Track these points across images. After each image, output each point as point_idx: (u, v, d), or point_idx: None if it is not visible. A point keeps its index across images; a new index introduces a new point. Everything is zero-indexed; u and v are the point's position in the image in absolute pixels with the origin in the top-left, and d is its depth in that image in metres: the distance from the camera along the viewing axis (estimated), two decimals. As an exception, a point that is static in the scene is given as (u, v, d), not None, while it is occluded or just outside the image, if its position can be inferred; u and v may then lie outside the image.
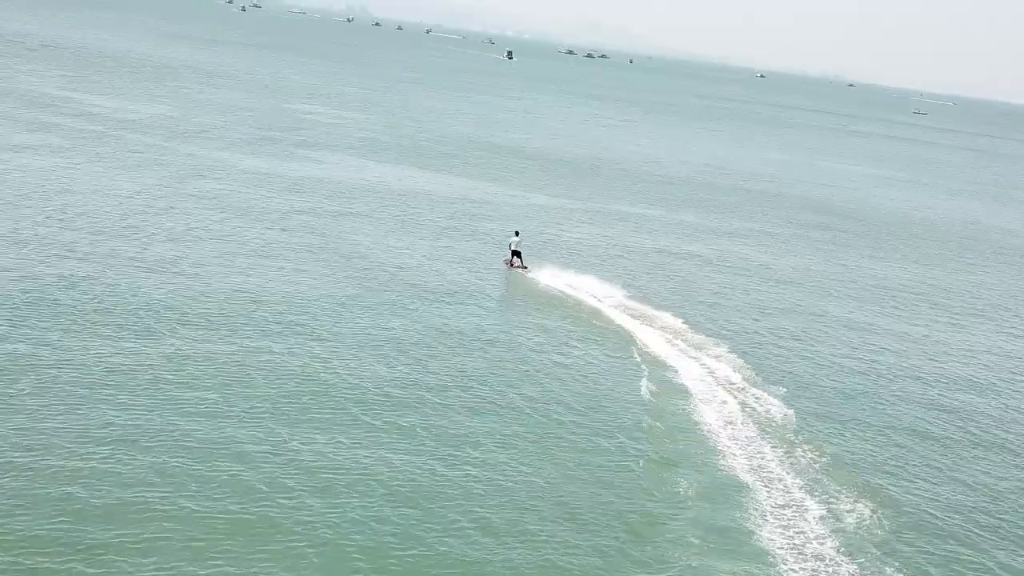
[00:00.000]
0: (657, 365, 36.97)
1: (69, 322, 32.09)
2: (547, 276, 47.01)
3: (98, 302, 34.34)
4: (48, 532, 20.95)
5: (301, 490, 24.10)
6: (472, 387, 32.20)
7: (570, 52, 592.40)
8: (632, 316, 42.78)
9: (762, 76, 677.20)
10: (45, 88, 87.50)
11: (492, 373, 33.63)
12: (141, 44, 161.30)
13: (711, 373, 36.97)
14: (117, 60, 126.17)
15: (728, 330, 43.07)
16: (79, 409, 26.32)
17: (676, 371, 36.54)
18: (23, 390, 26.93)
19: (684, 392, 34.53)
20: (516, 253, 47.21)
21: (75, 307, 33.52)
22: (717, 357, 38.79)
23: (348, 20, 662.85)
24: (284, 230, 49.09)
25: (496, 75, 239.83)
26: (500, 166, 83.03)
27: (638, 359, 37.35)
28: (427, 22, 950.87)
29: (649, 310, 43.88)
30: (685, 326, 42.22)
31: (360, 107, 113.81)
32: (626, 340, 39.53)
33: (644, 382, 34.85)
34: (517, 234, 48.49)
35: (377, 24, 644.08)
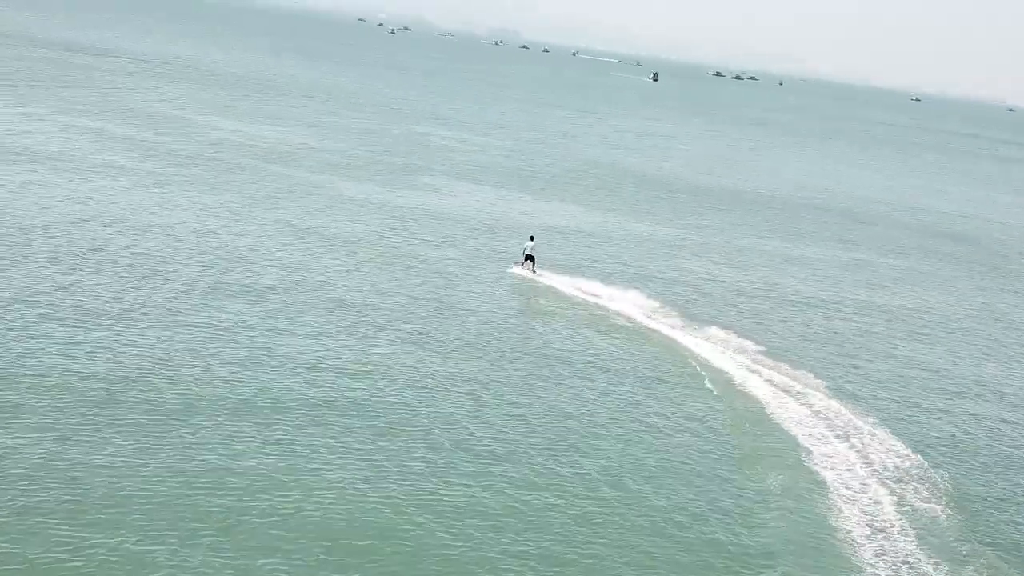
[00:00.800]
0: (787, 443, 30.38)
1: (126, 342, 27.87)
2: (675, 327, 40.74)
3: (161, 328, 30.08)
4: None
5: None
6: (565, 450, 26.62)
7: (718, 74, 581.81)
8: (763, 375, 36.13)
9: (917, 99, 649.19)
10: (166, 108, 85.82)
11: (587, 437, 27.80)
12: (288, 66, 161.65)
13: (863, 458, 30.09)
14: (255, 81, 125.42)
15: (882, 398, 36.08)
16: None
17: (810, 453, 29.85)
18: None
19: (821, 485, 27.88)
20: (530, 258, 46.46)
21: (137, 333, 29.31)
22: (868, 436, 31.86)
23: (496, 43, 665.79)
24: (373, 263, 44.25)
25: (638, 96, 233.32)
26: (626, 195, 76.99)
27: (766, 434, 30.84)
28: (575, 45, 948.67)
29: (784, 367, 37.20)
30: (826, 390, 35.44)
31: (488, 131, 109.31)
32: (753, 405, 33.02)
33: (769, 469, 28.40)
34: (532, 239, 47.53)
35: (524, 47, 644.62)
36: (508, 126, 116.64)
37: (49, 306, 32.25)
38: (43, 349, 28.85)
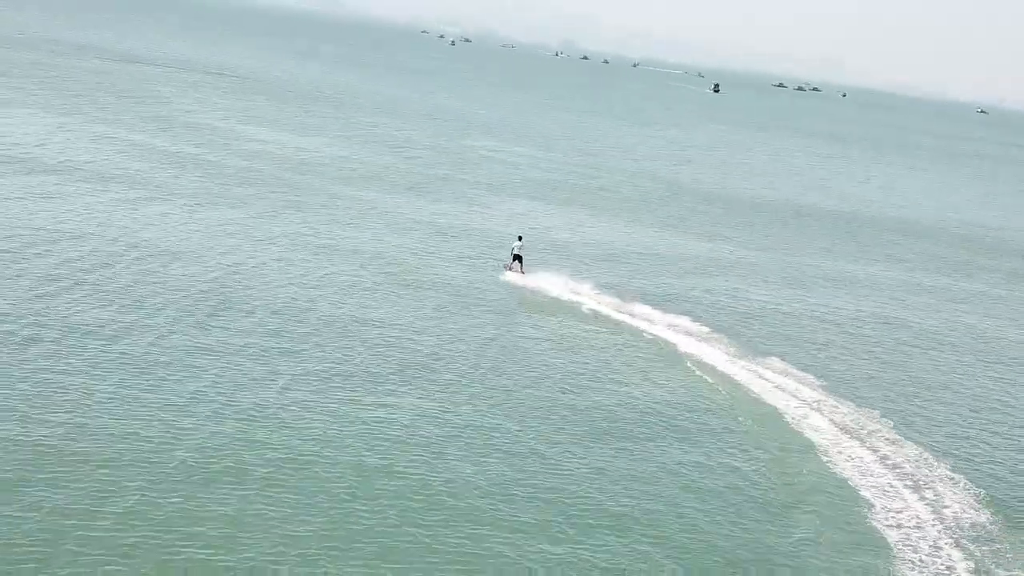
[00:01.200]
0: (846, 494, 26.79)
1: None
2: (727, 356, 37.09)
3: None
4: None
5: None
6: (583, 496, 23.21)
7: (780, 85, 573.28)
8: (825, 412, 32.48)
9: (983, 112, 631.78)
10: (210, 119, 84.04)
11: (609, 481, 24.44)
12: (347, 75, 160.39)
13: (935, 513, 26.33)
14: (312, 92, 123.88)
15: (958, 441, 32.21)
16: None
17: (872, 507, 26.25)
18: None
19: (883, 546, 24.28)
20: (517, 257, 45.41)
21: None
22: (942, 486, 28.10)
23: (556, 54, 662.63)
24: (394, 283, 41.34)
25: (699, 108, 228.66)
26: (679, 209, 73.31)
27: (823, 482, 27.27)
28: (634, 56, 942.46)
29: (848, 404, 33.59)
30: (894, 431, 31.73)
31: (540, 144, 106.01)
32: (811, 449, 29.43)
33: (822, 525, 24.87)
34: (520, 239, 46.55)
35: (585, 58, 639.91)
36: (561, 139, 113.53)
37: (35, 326, 29.69)
38: (14, 375, 26.27)
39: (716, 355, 37.09)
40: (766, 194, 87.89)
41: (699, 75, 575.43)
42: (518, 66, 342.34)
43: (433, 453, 25.47)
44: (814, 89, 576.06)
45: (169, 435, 24.21)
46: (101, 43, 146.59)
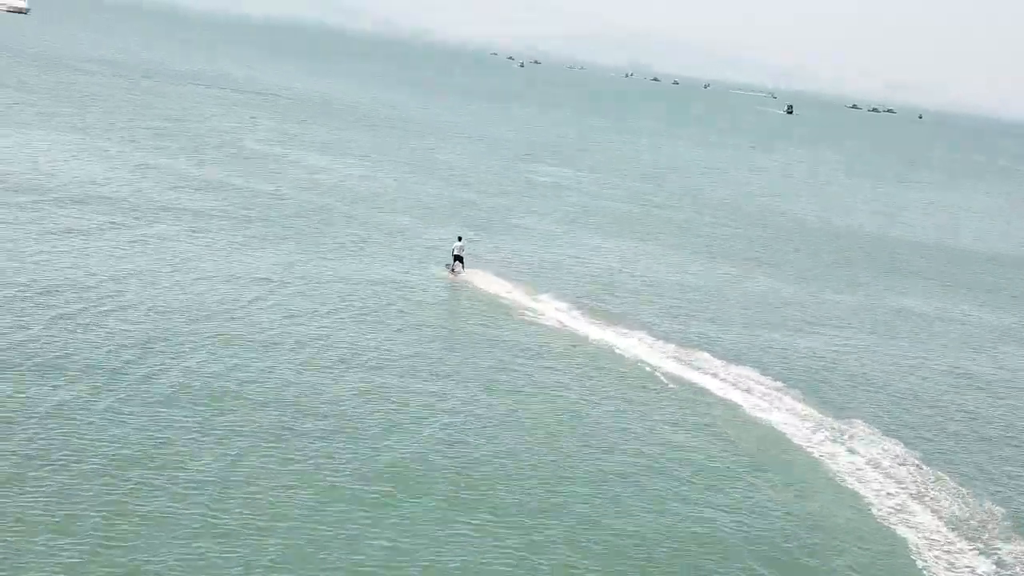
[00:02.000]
0: None
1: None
2: (801, 417, 31.33)
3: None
4: None
5: None
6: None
7: (854, 106, 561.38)
8: (928, 501, 26.64)
9: None
10: (251, 143, 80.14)
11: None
12: (413, 99, 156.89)
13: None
14: (368, 115, 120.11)
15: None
16: None
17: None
18: None
19: None
20: (458, 258, 44.28)
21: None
22: None
23: (627, 75, 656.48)
24: (412, 324, 36.16)
25: (771, 130, 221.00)
26: (750, 244, 67.24)
27: None
28: (705, 77, 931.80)
29: (952, 485, 27.69)
30: (1009, 527, 25.73)
31: (596, 165, 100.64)
32: (904, 551, 23.56)
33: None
34: (460, 239, 45.28)
35: (655, 79, 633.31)
36: (622, 160, 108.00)
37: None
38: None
39: (789, 419, 31.23)
40: (844, 224, 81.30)
41: (772, 96, 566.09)
42: (591, 88, 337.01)
43: (379, 557, 20.04)
44: (888, 111, 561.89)
45: (55, 523, 19.27)
46: (154, 61, 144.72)
